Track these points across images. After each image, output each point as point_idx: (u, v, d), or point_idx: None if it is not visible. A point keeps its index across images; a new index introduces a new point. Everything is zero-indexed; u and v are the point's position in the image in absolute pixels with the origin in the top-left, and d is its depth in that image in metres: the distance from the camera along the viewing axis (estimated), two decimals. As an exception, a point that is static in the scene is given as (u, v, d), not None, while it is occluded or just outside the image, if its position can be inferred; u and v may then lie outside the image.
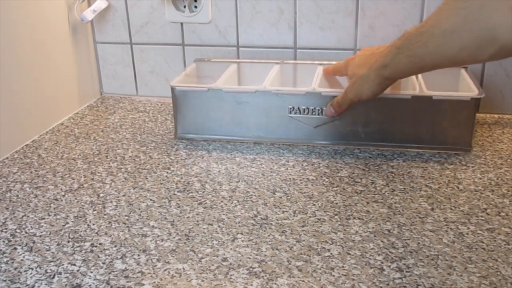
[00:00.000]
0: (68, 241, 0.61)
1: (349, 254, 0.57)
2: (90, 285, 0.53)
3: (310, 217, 0.64)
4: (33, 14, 0.88)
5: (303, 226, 0.62)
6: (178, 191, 0.71)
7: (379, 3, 0.92)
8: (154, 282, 0.53)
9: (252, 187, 0.71)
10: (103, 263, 0.56)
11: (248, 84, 0.85)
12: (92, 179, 0.75)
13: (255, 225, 0.62)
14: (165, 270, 0.55)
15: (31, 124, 0.90)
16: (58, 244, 0.60)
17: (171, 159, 0.81)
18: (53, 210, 0.67)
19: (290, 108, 0.82)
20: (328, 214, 0.64)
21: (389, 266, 0.55)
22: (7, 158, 0.82)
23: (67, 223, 0.64)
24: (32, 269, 0.56)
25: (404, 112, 0.79)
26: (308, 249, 0.58)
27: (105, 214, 0.66)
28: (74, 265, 0.56)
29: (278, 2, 0.96)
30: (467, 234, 0.60)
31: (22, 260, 0.57)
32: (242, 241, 0.59)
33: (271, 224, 0.63)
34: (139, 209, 0.67)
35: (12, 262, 0.57)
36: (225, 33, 1.00)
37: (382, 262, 0.55)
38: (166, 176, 0.75)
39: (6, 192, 0.72)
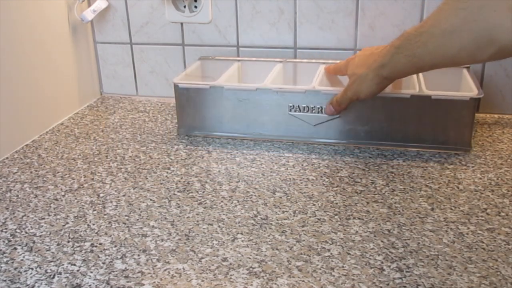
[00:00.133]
0: (68, 241, 0.61)
1: (349, 254, 0.57)
2: (90, 285, 0.53)
3: (310, 217, 0.64)
4: (33, 14, 0.88)
5: (303, 226, 0.62)
6: (178, 191, 0.71)
7: (379, 3, 0.92)
8: (154, 282, 0.53)
9: (252, 187, 0.71)
10: (103, 263, 0.56)
11: (251, 82, 0.86)
12: (92, 179, 0.75)
13: (255, 225, 0.62)
14: (165, 270, 0.55)
15: (31, 124, 0.90)
16: (58, 244, 0.60)
17: (171, 159, 0.81)
18: (53, 210, 0.67)
19: (290, 106, 0.82)
20: (328, 214, 0.64)
21: (389, 266, 0.55)
22: (7, 158, 0.82)
23: (67, 223, 0.64)
24: (32, 269, 0.56)
25: (404, 111, 0.79)
26: (308, 249, 0.58)
27: (105, 214, 0.66)
28: (74, 265, 0.56)
29: (278, 2, 0.96)
30: (467, 234, 0.60)
31: (22, 260, 0.57)
32: (242, 241, 0.59)
33: (271, 224, 0.63)
34: (139, 209, 0.67)
35: (12, 262, 0.57)
36: (225, 33, 1.00)
37: (382, 262, 0.55)
38: (166, 176, 0.75)
39: (6, 192, 0.72)
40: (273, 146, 0.84)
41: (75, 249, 0.59)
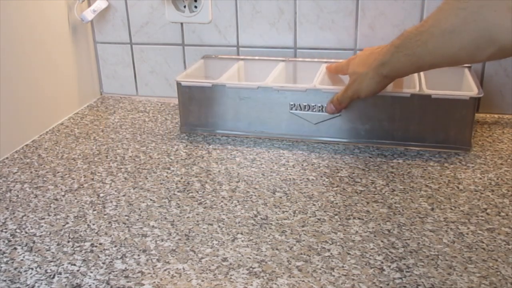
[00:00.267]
0: (68, 241, 0.61)
1: (349, 254, 0.57)
2: (90, 285, 0.53)
3: (310, 217, 0.64)
4: (33, 14, 0.88)
5: (303, 226, 0.62)
6: (178, 191, 0.71)
7: (379, 3, 0.92)
8: (154, 282, 0.53)
9: (252, 187, 0.71)
10: (103, 263, 0.56)
11: (253, 81, 0.86)
12: (92, 179, 0.75)
13: (255, 225, 0.62)
14: (165, 270, 0.55)
15: (31, 124, 0.90)
16: (58, 244, 0.60)
17: (171, 159, 0.81)
18: (53, 210, 0.67)
19: (291, 105, 0.83)
20: (328, 214, 0.64)
21: (389, 266, 0.55)
22: (7, 158, 0.82)
23: (67, 223, 0.64)
24: (32, 269, 0.56)
25: (404, 110, 0.79)
26: (308, 249, 0.58)
27: (105, 214, 0.66)
28: (74, 265, 0.56)
29: (278, 2, 0.96)
30: (467, 234, 0.60)
31: (22, 260, 0.57)
32: (242, 241, 0.59)
33: (271, 224, 0.63)
34: (139, 209, 0.67)
35: (12, 262, 0.57)
36: (225, 33, 1.00)
37: (382, 262, 0.55)
38: (166, 176, 0.75)
39: (6, 192, 0.72)
40: (273, 146, 0.84)
41: (75, 249, 0.59)
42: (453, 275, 0.53)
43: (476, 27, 0.56)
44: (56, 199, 0.70)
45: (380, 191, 0.69)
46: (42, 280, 0.54)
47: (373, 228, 0.61)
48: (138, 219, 0.64)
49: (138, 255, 0.57)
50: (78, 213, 0.66)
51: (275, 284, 0.52)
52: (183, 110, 0.89)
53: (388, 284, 0.52)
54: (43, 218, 0.65)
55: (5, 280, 0.54)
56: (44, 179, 0.75)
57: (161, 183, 0.73)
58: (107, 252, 0.58)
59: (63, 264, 0.56)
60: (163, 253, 0.58)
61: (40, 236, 0.62)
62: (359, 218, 0.63)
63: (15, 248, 0.60)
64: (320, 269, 0.54)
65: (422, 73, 0.83)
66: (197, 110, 0.87)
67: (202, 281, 0.53)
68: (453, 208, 0.65)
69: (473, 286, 0.52)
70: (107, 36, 1.06)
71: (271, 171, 0.76)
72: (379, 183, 0.71)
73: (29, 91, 0.88)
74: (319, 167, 0.77)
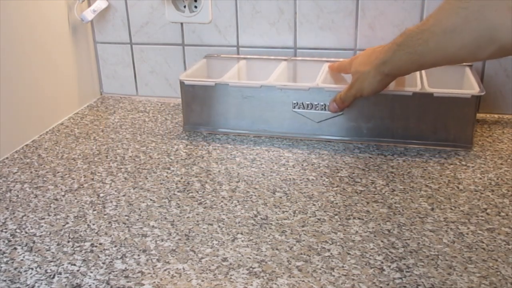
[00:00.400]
0: (68, 241, 0.61)
1: (349, 254, 0.57)
2: (90, 285, 0.53)
3: (310, 217, 0.64)
4: (33, 14, 0.88)
5: (303, 226, 0.62)
6: (178, 191, 0.71)
7: (379, 3, 0.92)
8: (154, 282, 0.53)
9: (252, 187, 0.71)
10: (103, 263, 0.56)
11: (255, 80, 0.87)
12: (92, 179, 0.75)
13: (255, 225, 0.62)
14: (165, 270, 0.55)
15: (31, 124, 0.90)
16: (58, 244, 0.60)
17: (171, 159, 0.81)
18: (53, 210, 0.67)
19: (294, 103, 0.83)
20: (328, 214, 0.64)
21: (389, 266, 0.55)
22: (7, 158, 0.82)
23: (67, 223, 0.64)
24: (32, 269, 0.56)
25: (406, 108, 0.80)
26: (308, 249, 0.58)
27: (105, 214, 0.66)
28: (74, 265, 0.56)
29: (278, 2, 0.96)
30: (467, 234, 0.60)
31: (22, 260, 0.57)
32: (242, 241, 0.59)
33: (271, 224, 0.63)
34: (139, 209, 0.67)
35: (12, 262, 0.57)
36: (225, 33, 1.00)
37: (382, 262, 0.55)
38: (166, 176, 0.75)
39: (6, 192, 0.72)
40: (273, 146, 0.84)
41: (75, 249, 0.59)
42: (453, 275, 0.53)
43: (477, 27, 0.56)
44: (56, 199, 0.70)
45: (380, 191, 0.69)
46: (42, 280, 0.54)
47: (373, 228, 0.61)
48: (138, 219, 0.64)
49: (138, 255, 0.57)
50: (78, 213, 0.66)
51: (275, 284, 0.52)
52: (186, 109, 0.89)
53: (388, 284, 0.52)
54: (43, 218, 0.65)
55: (5, 280, 0.54)
56: (44, 179, 0.75)
57: (161, 183, 0.73)
58: (107, 252, 0.58)
59: (63, 264, 0.56)
60: (163, 253, 0.58)
61: (40, 236, 0.62)
62: (359, 218, 0.63)
63: (15, 248, 0.60)
64: (320, 269, 0.54)
65: (423, 72, 0.84)
66: (200, 109, 0.88)
67: (202, 281, 0.53)
68: (453, 208, 0.65)
69: (473, 286, 0.52)
70: (107, 36, 1.06)
71: (271, 171, 0.76)
72: (379, 183, 0.71)
73: (29, 91, 0.88)
74: (319, 167, 0.77)
